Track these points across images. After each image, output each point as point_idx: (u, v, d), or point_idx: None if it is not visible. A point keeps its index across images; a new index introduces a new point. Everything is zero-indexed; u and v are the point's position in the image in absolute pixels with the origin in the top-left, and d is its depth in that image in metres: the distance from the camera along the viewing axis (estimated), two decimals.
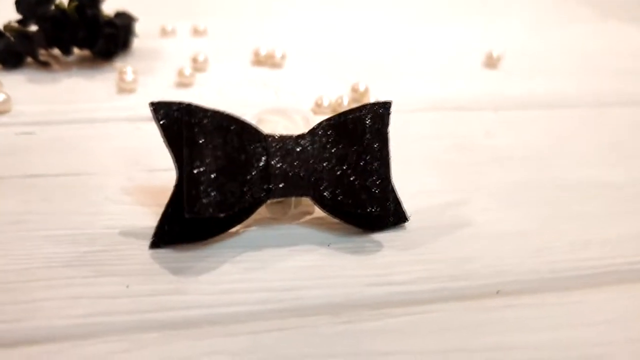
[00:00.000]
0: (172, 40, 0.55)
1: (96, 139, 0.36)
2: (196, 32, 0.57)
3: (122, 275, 0.25)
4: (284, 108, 0.32)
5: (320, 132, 0.28)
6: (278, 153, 0.27)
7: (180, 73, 0.44)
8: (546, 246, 0.28)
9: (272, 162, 0.27)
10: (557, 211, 0.31)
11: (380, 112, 0.28)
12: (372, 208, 0.27)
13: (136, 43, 0.52)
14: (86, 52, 0.48)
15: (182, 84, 0.45)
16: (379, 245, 0.28)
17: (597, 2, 0.78)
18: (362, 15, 0.68)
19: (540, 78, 0.51)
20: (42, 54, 0.47)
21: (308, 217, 0.29)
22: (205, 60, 0.48)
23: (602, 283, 0.26)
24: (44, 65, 0.46)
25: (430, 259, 0.27)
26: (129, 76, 0.43)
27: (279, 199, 0.29)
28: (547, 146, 0.39)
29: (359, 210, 0.27)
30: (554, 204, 0.32)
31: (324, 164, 0.27)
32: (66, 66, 0.47)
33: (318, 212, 0.29)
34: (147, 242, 0.26)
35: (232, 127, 0.26)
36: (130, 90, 0.43)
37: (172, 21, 0.57)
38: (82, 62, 0.48)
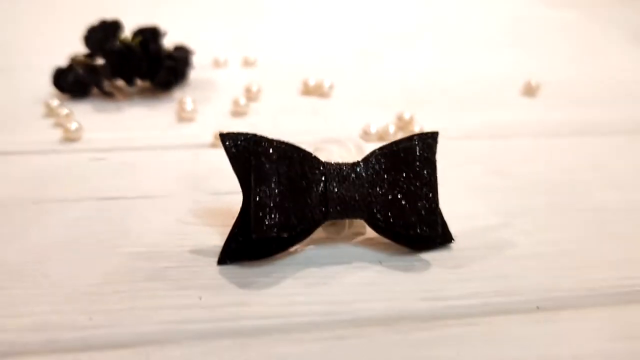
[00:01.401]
0: (225, 71, 0.59)
1: (162, 164, 0.39)
2: (247, 63, 0.60)
3: (195, 289, 0.28)
4: (338, 138, 0.34)
5: (373, 160, 0.30)
6: (335, 179, 0.29)
7: (236, 103, 0.48)
8: (584, 265, 0.30)
9: (330, 187, 0.29)
10: (595, 232, 0.33)
11: (429, 141, 0.30)
12: (422, 229, 0.29)
13: (192, 74, 0.55)
14: (146, 84, 0.52)
15: (238, 113, 0.48)
16: (428, 264, 0.30)
17: (631, 31, 0.79)
18: (404, 46, 0.71)
19: (577, 106, 0.52)
20: (107, 85, 0.51)
21: (361, 238, 0.32)
22: (259, 90, 0.51)
23: (630, 301, 0.28)
24: (109, 95, 0.50)
25: (475, 277, 0.29)
26: (188, 106, 0.46)
27: (335, 221, 0.32)
28: (584, 171, 0.40)
29: (410, 232, 0.29)
30: (591, 226, 0.34)
31: (377, 189, 0.30)
32: (128, 96, 0.51)
33: (369, 233, 0.32)
34: (215, 259, 0.29)
35: (294, 156, 0.29)
36: (190, 119, 0.47)
37: (224, 53, 0.61)
38: (143, 93, 0.51)
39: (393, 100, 0.52)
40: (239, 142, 0.29)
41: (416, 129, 0.44)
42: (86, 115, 0.47)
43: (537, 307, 0.27)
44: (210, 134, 0.43)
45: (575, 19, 0.89)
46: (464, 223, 0.33)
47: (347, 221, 0.32)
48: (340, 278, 0.29)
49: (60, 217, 0.33)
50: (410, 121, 0.45)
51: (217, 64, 0.60)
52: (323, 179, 0.29)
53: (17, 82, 0.53)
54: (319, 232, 0.32)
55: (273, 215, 0.28)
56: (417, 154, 0.30)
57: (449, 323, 0.26)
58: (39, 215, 0.33)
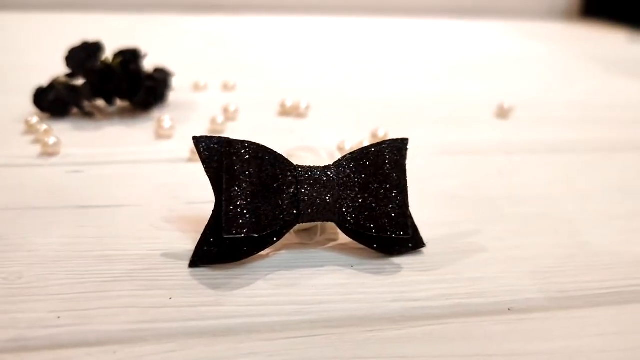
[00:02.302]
0: (205, 94, 0.60)
1: (138, 177, 0.40)
2: (226, 87, 0.61)
3: (166, 289, 0.28)
4: (312, 146, 0.35)
5: (344, 164, 0.31)
6: (307, 182, 0.30)
7: (213, 121, 0.48)
8: (555, 269, 0.31)
9: (302, 190, 0.30)
10: (564, 240, 0.34)
11: (398, 146, 0.31)
12: (392, 232, 0.30)
13: (172, 96, 0.56)
14: (126, 104, 0.52)
15: (215, 131, 0.48)
16: (399, 267, 0.30)
17: (604, 60, 0.82)
18: (383, 70, 0.73)
19: (548, 126, 0.54)
20: (86, 105, 0.51)
21: (333, 243, 0.32)
22: (236, 111, 0.52)
23: (605, 303, 0.28)
24: (88, 115, 0.50)
25: (445, 279, 0.29)
26: (166, 123, 0.47)
27: (307, 227, 0.32)
28: (555, 185, 0.41)
29: (380, 234, 0.30)
30: (561, 234, 0.34)
31: (348, 192, 0.30)
32: (108, 116, 0.51)
33: (342, 239, 0.32)
34: (187, 262, 0.29)
35: (265, 157, 0.29)
36: (168, 137, 0.47)
37: (204, 77, 0.62)
38: (123, 113, 0.52)
39: (369, 119, 0.53)
40: (211, 145, 0.29)
41: None
42: (65, 132, 0.47)
43: (509, 309, 0.28)
44: (187, 150, 0.43)
45: (550, 52, 0.92)
46: (437, 230, 0.34)
47: (319, 227, 0.32)
48: (310, 280, 0.29)
49: (35, 224, 0.33)
50: (384, 138, 0.46)
51: (197, 87, 0.61)
52: (295, 181, 0.30)
53: None
54: (291, 238, 0.32)
55: (244, 215, 0.28)
56: (387, 157, 0.31)
57: (419, 323, 0.26)
58: (15, 221, 0.33)
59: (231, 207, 0.28)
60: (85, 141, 0.46)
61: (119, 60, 0.50)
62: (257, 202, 0.28)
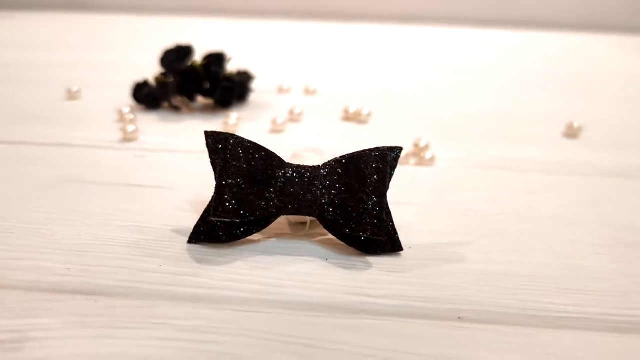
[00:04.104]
0: (285, 96, 0.65)
1: (185, 164, 0.45)
2: (307, 91, 0.66)
3: (160, 258, 0.32)
4: (320, 148, 0.38)
5: (333, 165, 0.33)
6: (295, 179, 0.33)
7: (274, 121, 0.53)
8: (525, 288, 0.30)
9: (288, 185, 0.33)
10: (554, 261, 0.33)
11: (384, 153, 0.33)
12: (365, 233, 0.32)
13: (255, 96, 0.62)
14: (209, 101, 0.59)
15: (275, 131, 0.53)
16: (370, 266, 0.32)
17: None
18: (452, 84, 0.73)
19: (612, 149, 0.51)
20: (177, 100, 0.58)
21: (320, 238, 0.35)
22: (301, 113, 0.56)
23: (562, 326, 0.28)
24: (175, 109, 0.58)
25: (409, 282, 0.31)
26: (231, 120, 0.52)
27: (301, 220, 0.35)
28: (578, 208, 0.40)
29: (354, 233, 0.32)
30: (554, 256, 0.33)
31: (331, 191, 0.33)
32: (192, 111, 0.58)
33: (330, 235, 0.34)
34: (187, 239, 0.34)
35: (257, 155, 0.33)
36: (232, 132, 0.52)
37: (290, 81, 0.67)
38: (205, 109, 0.58)
39: (424, 129, 0.54)
40: (217, 140, 0.34)
41: (427, 156, 0.46)
42: (151, 122, 0.54)
43: (459, 318, 0.28)
44: None
45: (625, 68, 0.85)
46: (428, 238, 0.35)
47: (308, 221, 0.35)
48: (283, 266, 0.32)
49: (86, 195, 0.39)
50: (424, 148, 0.47)
51: (281, 90, 0.66)
52: (283, 177, 0.33)
53: (106, 93, 0.63)
54: (284, 228, 0.35)
55: (230, 201, 0.32)
56: (371, 163, 0.33)
57: (365, 316, 0.28)
58: (72, 191, 0.40)
59: (220, 194, 0.32)
60: (162, 131, 0.52)
61: (203, 62, 0.56)
62: (245, 192, 0.32)
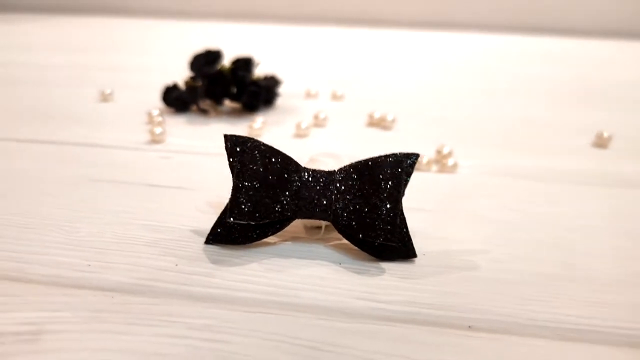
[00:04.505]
0: (313, 101, 0.65)
1: (209, 166, 0.46)
2: (335, 96, 0.66)
3: (177, 257, 0.33)
4: (337, 153, 0.38)
5: (350, 170, 0.33)
6: (310, 183, 0.33)
7: (298, 126, 0.53)
8: (538, 298, 0.30)
9: (303, 189, 0.33)
10: (566, 272, 0.32)
11: (399, 159, 0.33)
12: (378, 238, 0.32)
13: (282, 101, 0.63)
14: (237, 105, 0.60)
15: (299, 135, 0.53)
16: (382, 271, 0.32)
17: None
18: (479, 92, 0.72)
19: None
20: (205, 103, 0.60)
21: (335, 242, 0.35)
22: (325, 118, 0.56)
23: (573, 338, 0.27)
24: (204, 112, 0.59)
25: (421, 289, 0.31)
26: (257, 124, 0.53)
27: (317, 224, 0.35)
28: (597, 219, 0.39)
29: (368, 239, 0.32)
30: (567, 267, 0.33)
31: (346, 196, 0.33)
32: (220, 115, 0.59)
33: (345, 240, 0.35)
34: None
35: (273, 159, 0.33)
36: (256, 136, 0.53)
37: (318, 86, 0.68)
38: (232, 113, 0.59)
39: (449, 135, 0.54)
40: (235, 143, 0.34)
41: (450, 163, 0.46)
42: (179, 124, 0.56)
43: (469, 326, 0.28)
44: None
45: None
46: (442, 245, 0.35)
47: (323, 225, 0.35)
48: (297, 269, 0.32)
49: (111, 194, 0.41)
50: (447, 155, 0.47)
51: (308, 95, 0.66)
52: (299, 182, 0.33)
53: (138, 96, 0.64)
54: (300, 232, 0.35)
55: (247, 205, 0.32)
56: (386, 169, 0.33)
57: (372, 321, 0.28)
58: (98, 190, 0.41)
59: (236, 197, 0.33)
60: (189, 133, 0.54)
61: (230, 67, 0.57)
62: (260, 196, 0.33)
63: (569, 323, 0.28)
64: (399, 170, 0.33)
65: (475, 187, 0.43)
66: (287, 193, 0.33)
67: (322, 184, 0.33)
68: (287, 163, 0.33)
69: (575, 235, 0.37)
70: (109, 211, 0.38)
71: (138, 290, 0.30)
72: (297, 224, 0.36)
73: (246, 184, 0.33)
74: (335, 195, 0.33)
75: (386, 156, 0.33)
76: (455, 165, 0.46)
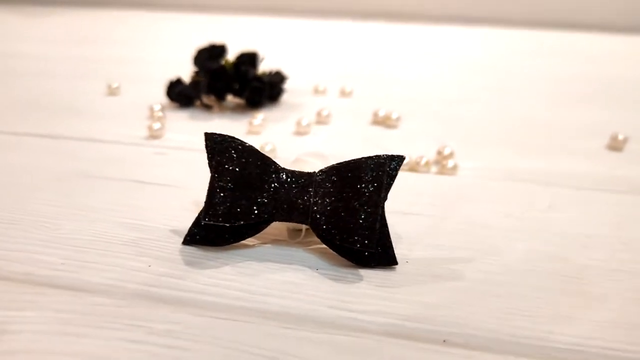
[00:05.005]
0: (320, 97, 0.64)
1: (205, 165, 0.45)
2: (343, 93, 0.65)
3: (152, 258, 0.32)
4: (324, 153, 0.37)
5: (330, 172, 0.32)
6: (289, 185, 0.32)
7: (298, 123, 0.52)
8: (523, 313, 0.28)
9: (282, 191, 0.32)
10: (563, 286, 0.30)
11: (381, 162, 0.31)
12: (355, 244, 0.30)
13: (289, 97, 0.62)
14: (241, 101, 0.59)
15: (299, 133, 0.52)
16: (360, 279, 0.31)
17: None
18: (489, 92, 0.70)
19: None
20: (209, 99, 0.59)
21: (315, 246, 0.34)
22: (328, 115, 0.55)
23: (555, 357, 0.26)
24: (207, 107, 0.58)
25: (397, 298, 0.29)
26: (257, 121, 0.52)
27: (298, 227, 0.34)
28: (601, 228, 0.37)
29: (345, 244, 0.31)
30: (564, 280, 0.31)
31: (325, 199, 0.32)
32: (224, 110, 0.58)
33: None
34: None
35: (250, 159, 0.32)
36: (256, 133, 0.52)
37: (326, 82, 0.66)
38: (236, 109, 0.59)
39: (453, 136, 0.52)
40: (215, 141, 0.33)
41: (450, 165, 0.44)
42: (179, 120, 0.55)
43: (444, 341, 0.27)
44: (257, 147, 0.47)
45: None
46: (429, 252, 0.33)
47: (303, 228, 0.34)
48: (271, 274, 0.31)
49: (96, 190, 0.40)
50: (448, 156, 0.45)
51: (316, 91, 0.65)
52: (277, 183, 0.32)
53: (145, 90, 0.64)
54: (282, 234, 0.34)
55: (221, 205, 0.31)
56: (367, 171, 0.31)
57: (339, 332, 0.27)
58: (85, 186, 0.41)
59: (212, 197, 0.32)
60: (189, 129, 0.53)
61: (232, 62, 0.56)
62: (236, 197, 0.32)
63: (554, 342, 0.27)
64: (381, 173, 0.31)
65: (474, 192, 0.41)
66: (264, 194, 0.32)
67: (300, 186, 0.32)
68: (266, 164, 0.32)
69: (575, 246, 0.34)
70: (94, 208, 0.38)
71: (107, 291, 0.30)
72: (280, 226, 0.35)
73: (222, 184, 0.32)
74: (314, 197, 0.32)
75: (367, 158, 0.32)
76: (455, 167, 0.44)
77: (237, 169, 0.32)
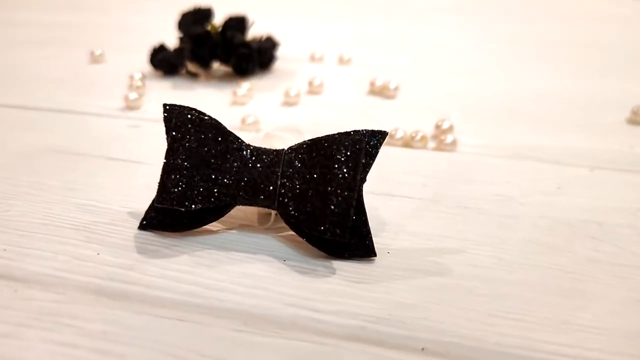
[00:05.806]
0: (317, 65, 0.59)
1: None
2: (341, 60, 0.60)
3: (102, 245, 0.29)
4: (300, 127, 0.33)
5: (301, 150, 0.28)
6: (254, 164, 0.28)
7: (287, 93, 0.48)
8: (513, 317, 0.24)
9: (245, 172, 0.28)
10: (560, 284, 0.26)
11: (358, 139, 0.27)
12: (326, 233, 0.26)
13: (283, 65, 0.57)
14: (229, 69, 0.55)
15: (287, 103, 0.48)
16: (331, 272, 0.27)
17: None
18: (500, 62, 0.64)
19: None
20: (195, 66, 0.55)
21: (286, 233, 0.30)
22: (321, 85, 0.51)
23: None
24: (193, 75, 0.54)
25: (371, 297, 0.25)
26: (241, 91, 0.48)
27: (267, 211, 0.30)
28: (615, 214, 0.32)
29: (314, 232, 0.27)
30: (562, 277, 0.27)
31: (294, 181, 0.28)
32: (210, 79, 0.54)
33: None
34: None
35: (210, 134, 0.28)
36: (242, 104, 0.48)
37: (324, 48, 0.62)
38: (223, 77, 0.55)
39: (456, 109, 0.47)
40: (174, 114, 0.29)
41: (448, 140, 0.40)
42: (161, 90, 0.51)
43: (422, 349, 0.23)
44: (238, 120, 0.43)
45: None
46: (414, 241, 0.29)
47: (273, 213, 0.30)
48: (231, 265, 0.27)
49: (61, 167, 0.37)
50: (446, 130, 0.41)
51: (313, 58, 0.60)
52: (241, 162, 0.28)
53: (129, 57, 0.60)
54: (252, 219, 0.31)
55: (177, 188, 0.28)
56: (341, 150, 0.27)
57: (299, 335, 0.23)
58: (51, 162, 0.37)
59: (166, 178, 0.28)
60: (170, 99, 0.48)
61: (219, 27, 0.52)
62: (193, 177, 0.28)
63: (545, 352, 0.23)
64: (358, 151, 0.27)
65: (473, 170, 0.37)
66: (225, 175, 0.28)
67: (266, 165, 0.28)
68: (228, 140, 0.28)
69: (579, 236, 0.30)
70: (51, 187, 0.34)
71: (46, 283, 0.26)
72: (248, 210, 0.31)
73: (177, 163, 0.28)
74: (282, 179, 0.28)
75: (344, 134, 0.28)
76: (454, 143, 0.40)
77: (193, 146, 0.28)
